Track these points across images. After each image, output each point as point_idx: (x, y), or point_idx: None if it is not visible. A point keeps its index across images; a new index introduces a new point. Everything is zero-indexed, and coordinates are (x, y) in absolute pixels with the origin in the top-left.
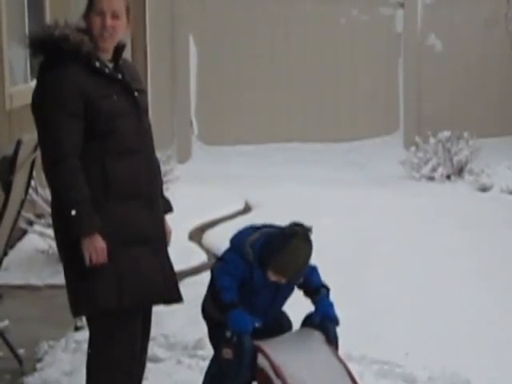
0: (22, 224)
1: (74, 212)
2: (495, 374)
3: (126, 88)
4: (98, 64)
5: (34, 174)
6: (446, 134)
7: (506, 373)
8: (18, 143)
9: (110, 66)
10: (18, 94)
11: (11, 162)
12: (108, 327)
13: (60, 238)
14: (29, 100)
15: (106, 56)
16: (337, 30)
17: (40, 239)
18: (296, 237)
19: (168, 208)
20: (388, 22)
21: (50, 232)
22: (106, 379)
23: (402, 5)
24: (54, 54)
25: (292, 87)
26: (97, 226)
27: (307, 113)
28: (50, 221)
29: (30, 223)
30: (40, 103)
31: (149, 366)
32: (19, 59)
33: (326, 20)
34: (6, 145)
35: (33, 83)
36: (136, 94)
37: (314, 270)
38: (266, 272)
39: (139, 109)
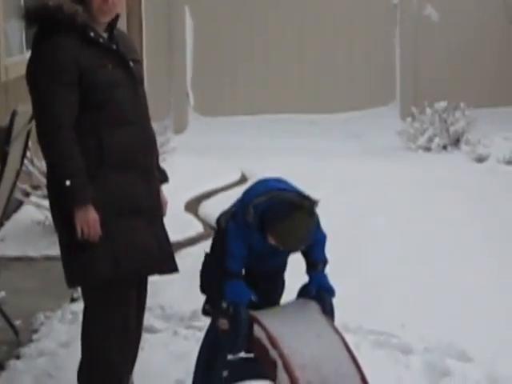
0: (17, 195)
1: (68, 183)
2: (491, 344)
3: (121, 58)
4: (92, 34)
5: (30, 144)
6: (443, 104)
7: (502, 344)
8: (13, 114)
9: (105, 36)
10: (14, 66)
11: (6, 133)
12: (103, 298)
13: (55, 208)
14: (24, 71)
15: (101, 27)
16: (334, 2)
17: (36, 210)
18: (301, 210)
19: (164, 178)
20: None
21: (47, 203)
22: (101, 350)
23: None
24: (48, 24)
25: (288, 59)
26: (90, 198)
27: (304, 84)
28: (46, 192)
29: (26, 194)
30: (35, 73)
31: (145, 336)
32: (14, 31)
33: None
34: (2, 116)
35: (28, 54)
36: (131, 64)
37: (319, 242)
38: (265, 235)
39: (134, 79)
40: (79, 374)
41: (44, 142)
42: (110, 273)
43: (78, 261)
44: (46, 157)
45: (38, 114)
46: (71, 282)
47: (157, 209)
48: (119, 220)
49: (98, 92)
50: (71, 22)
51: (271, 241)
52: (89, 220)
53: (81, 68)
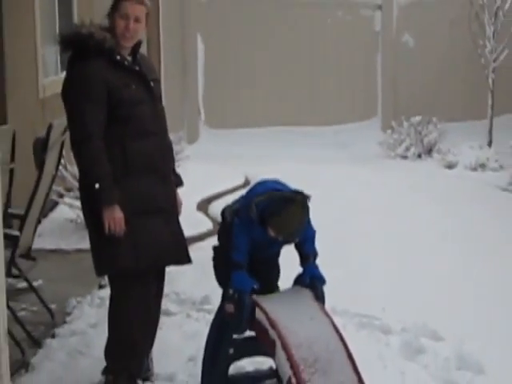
0: (53, 196)
1: (97, 186)
2: (459, 325)
3: (143, 78)
4: (118, 58)
5: (64, 153)
6: (418, 118)
7: (469, 325)
8: (50, 127)
9: (129, 59)
10: (50, 85)
11: (44, 143)
12: (126, 285)
13: (85, 208)
14: (59, 89)
15: (126, 51)
16: (324, 29)
17: (69, 210)
18: (294, 203)
19: (179, 182)
20: (368, 22)
21: (78, 203)
22: (125, 330)
23: (379, 7)
24: (80, 49)
25: (286, 79)
26: (116, 199)
27: (299, 100)
28: (78, 194)
29: (61, 196)
30: (69, 92)
31: (162, 318)
32: (50, 54)
33: (316, 21)
34: (39, 128)
35: (62, 75)
36: (152, 83)
37: (310, 238)
38: (266, 228)
39: (154, 96)
40: (106, 351)
41: (76, 151)
42: (132, 264)
43: (105, 253)
44: (78, 163)
45: (71, 126)
46: (99, 272)
47: (173, 208)
48: (140, 218)
49: (123, 108)
50: (100, 48)
51: (271, 233)
52: (115, 218)
53: (108, 87)
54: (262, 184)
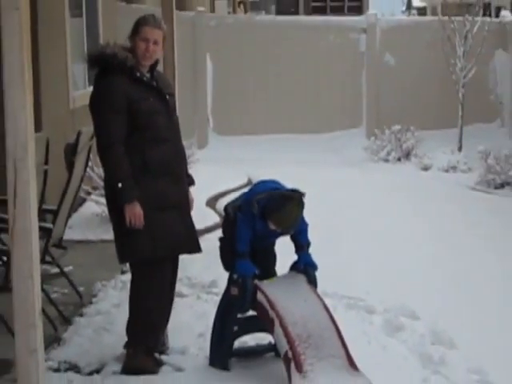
0: (82, 194)
1: (119, 185)
2: (434, 306)
3: (159, 92)
4: (138, 74)
5: (91, 156)
6: (397, 127)
7: (442, 306)
8: (79, 134)
9: (148, 75)
10: (79, 97)
11: (74, 148)
12: (145, 271)
13: (110, 204)
14: (87, 101)
15: (145, 69)
16: (318, 50)
17: (95, 205)
18: (292, 201)
19: (191, 182)
20: (354, 44)
21: (103, 200)
22: (143, 310)
23: (364, 31)
24: (105, 67)
25: (284, 93)
26: (136, 197)
27: (296, 111)
28: (103, 192)
29: (88, 193)
30: (95, 103)
31: (176, 300)
32: (79, 71)
33: (310, 43)
34: (70, 135)
35: (90, 89)
36: (167, 97)
37: (304, 230)
38: (266, 222)
39: (169, 108)
40: (127, 328)
41: (102, 155)
42: (150, 253)
43: (127, 243)
44: (103, 166)
45: (97, 133)
46: (121, 259)
47: (185, 205)
48: (157, 213)
49: (142, 118)
50: (122, 66)
51: (271, 226)
52: (135, 213)
53: (129, 100)
54: (262, 184)
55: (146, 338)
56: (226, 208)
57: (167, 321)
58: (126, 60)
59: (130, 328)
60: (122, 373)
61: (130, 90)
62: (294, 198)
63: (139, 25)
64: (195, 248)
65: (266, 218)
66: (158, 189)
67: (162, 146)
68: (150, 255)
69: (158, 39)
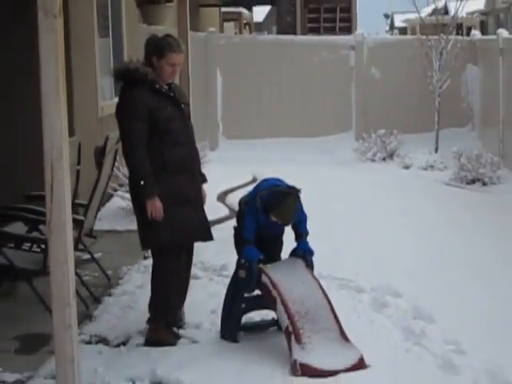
0: (109, 190)
1: (142, 182)
2: (415, 285)
3: (176, 102)
4: (157, 86)
5: (117, 158)
6: (382, 131)
7: (422, 285)
8: (106, 138)
9: (166, 87)
10: (106, 107)
11: (102, 151)
12: (164, 257)
13: (133, 199)
14: (113, 110)
15: (163, 82)
16: (313, 65)
17: (121, 200)
18: (290, 196)
19: (204, 180)
20: (345, 59)
21: (128, 196)
22: (163, 290)
23: (353, 48)
24: (129, 80)
25: (284, 102)
26: (156, 192)
27: (295, 118)
28: (128, 188)
29: (115, 190)
30: (120, 112)
31: (191, 281)
32: (107, 84)
33: (306, 58)
34: (99, 139)
35: (115, 99)
36: (182, 106)
37: (303, 220)
38: (268, 215)
39: (184, 115)
40: (149, 306)
41: (126, 156)
42: (169, 241)
43: (148, 233)
44: (128, 165)
45: (122, 137)
46: (144, 247)
47: (199, 199)
48: (174, 207)
49: (161, 124)
50: (144, 79)
51: (272, 218)
52: (155, 207)
53: (149, 108)
54: (265, 181)
55: (165, 314)
56: (239, 202)
57: (184, 299)
58: (146, 74)
59: (152, 306)
60: (145, 345)
61: (151, 100)
62: (292, 195)
63: (165, 50)
64: (208, 236)
65: (267, 211)
66: (175, 185)
67: (179, 148)
68: (169, 243)
69: (181, 61)
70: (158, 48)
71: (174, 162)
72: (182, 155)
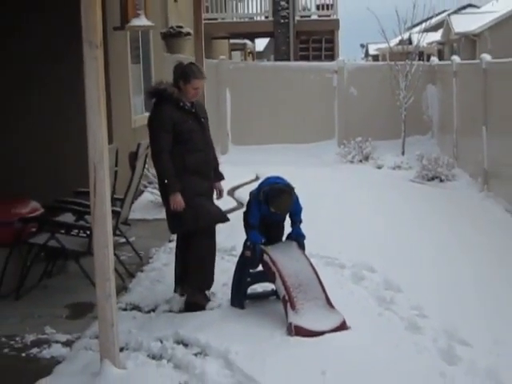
0: (141, 187)
1: (166, 181)
2: (387, 261)
3: (196, 116)
4: (181, 104)
5: (147, 161)
6: (359, 138)
7: (393, 261)
8: (138, 145)
9: (188, 104)
10: (138, 120)
11: (135, 155)
12: (198, 237)
13: (161, 193)
14: (144, 122)
15: (187, 100)
16: (303, 85)
17: (150, 195)
18: (286, 193)
19: (222, 177)
20: (329, 81)
21: (156, 191)
22: (199, 263)
23: (336, 72)
24: (158, 98)
25: (281, 115)
26: (178, 189)
27: (289, 129)
28: (156, 185)
29: (145, 186)
30: (151, 124)
31: None
32: (138, 102)
33: (298, 80)
34: (132, 145)
35: (146, 114)
36: (202, 119)
37: (298, 211)
38: (269, 207)
39: (204, 128)
40: (188, 276)
41: (154, 160)
42: (194, 225)
43: (177, 219)
44: (156, 167)
45: (151, 145)
46: (172, 231)
47: (210, 193)
48: (196, 198)
49: (183, 134)
50: (170, 98)
51: (272, 209)
52: (176, 201)
53: (174, 122)
54: (267, 179)
55: (200, 281)
56: (250, 193)
57: (213, 272)
58: (173, 94)
59: (190, 276)
60: (185, 307)
61: (175, 115)
62: (287, 191)
63: (190, 77)
64: (224, 218)
65: (267, 204)
66: (193, 182)
67: (197, 154)
68: (195, 227)
69: (202, 86)
70: (184, 74)
71: (192, 164)
72: (199, 160)
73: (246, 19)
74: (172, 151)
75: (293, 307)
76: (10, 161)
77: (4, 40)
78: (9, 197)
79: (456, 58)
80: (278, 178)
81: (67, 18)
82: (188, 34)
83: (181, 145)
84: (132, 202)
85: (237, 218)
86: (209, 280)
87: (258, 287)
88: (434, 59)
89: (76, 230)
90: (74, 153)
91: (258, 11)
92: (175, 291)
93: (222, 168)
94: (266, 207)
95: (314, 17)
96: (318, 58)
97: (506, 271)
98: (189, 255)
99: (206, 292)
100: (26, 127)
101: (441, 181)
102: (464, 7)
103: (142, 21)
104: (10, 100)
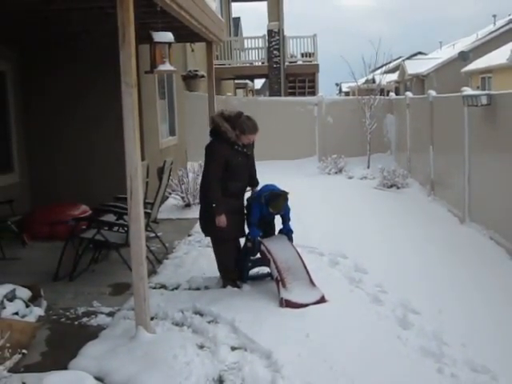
0: (166, 194)
1: (214, 205)
2: (358, 249)
3: (245, 154)
4: (236, 146)
5: (171, 174)
6: (335, 155)
7: (363, 249)
8: (164, 162)
9: (240, 144)
10: (164, 142)
11: (161, 169)
12: (224, 243)
13: (204, 208)
14: (169, 144)
15: (241, 142)
16: (291, 115)
17: (174, 200)
18: (281, 196)
19: (257, 184)
20: (311, 111)
21: (177, 197)
22: (224, 262)
23: (316, 104)
24: (218, 136)
25: (273, 137)
26: (223, 210)
27: (279, 148)
28: (178, 192)
29: (170, 193)
30: (207, 154)
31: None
32: (164, 129)
33: (286, 111)
34: (159, 162)
35: (170, 138)
36: (249, 157)
37: (287, 212)
38: (268, 207)
39: (248, 162)
40: (219, 271)
41: (205, 185)
42: (228, 235)
43: (214, 229)
44: (207, 192)
45: (205, 171)
46: (206, 234)
47: (242, 209)
48: (229, 215)
49: (231, 167)
50: (228, 139)
51: (270, 210)
52: (221, 221)
53: (225, 158)
54: (266, 186)
55: (227, 274)
56: (247, 199)
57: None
58: (231, 137)
59: (220, 270)
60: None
61: (228, 153)
62: (282, 195)
63: (246, 131)
64: (242, 235)
65: (267, 205)
66: (229, 203)
67: (238, 183)
68: (228, 236)
69: (256, 137)
70: (242, 127)
71: (233, 190)
72: (238, 187)
73: (247, 64)
74: (221, 180)
75: (283, 285)
76: (68, 175)
77: (43, 78)
78: (65, 202)
79: (409, 94)
80: (273, 185)
81: (100, 60)
82: (202, 76)
83: (228, 173)
84: (159, 205)
85: None
86: (233, 271)
87: (257, 270)
88: (392, 94)
89: (116, 227)
90: (114, 168)
91: (256, 58)
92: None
93: None
94: (265, 208)
95: (300, 62)
96: (302, 94)
97: (447, 257)
98: (216, 255)
99: (238, 282)
100: (82, 150)
101: (397, 188)
102: (415, 54)
103: (166, 66)
104: (57, 125)
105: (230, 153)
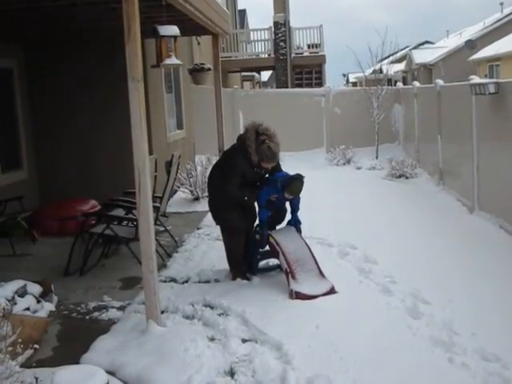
0: (175, 188)
1: (245, 198)
2: (365, 241)
3: (261, 176)
4: (255, 168)
5: (179, 167)
6: (343, 146)
7: (371, 240)
8: (172, 156)
9: (258, 168)
10: (171, 136)
11: (169, 163)
12: (233, 235)
13: (214, 205)
14: (176, 138)
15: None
16: (298, 107)
17: (182, 194)
18: (297, 180)
19: None
20: (318, 103)
21: (186, 190)
22: (234, 253)
23: (323, 95)
24: (242, 145)
25: (282, 129)
26: (254, 195)
27: (288, 140)
28: (187, 186)
29: (178, 187)
30: (228, 163)
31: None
32: (171, 122)
33: (294, 102)
34: (167, 156)
35: (177, 131)
36: (262, 173)
37: (297, 201)
38: (284, 192)
39: (262, 177)
40: (228, 263)
41: (229, 191)
42: (241, 227)
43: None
44: (230, 194)
45: (224, 177)
46: (217, 223)
47: (253, 207)
48: (246, 209)
49: (247, 181)
50: (250, 159)
51: (286, 194)
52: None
53: (243, 172)
54: (278, 174)
55: (237, 266)
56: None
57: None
58: (253, 160)
59: (229, 262)
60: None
61: (246, 169)
62: (299, 179)
63: (264, 160)
64: (252, 228)
65: (283, 190)
66: (247, 208)
67: (251, 193)
68: (239, 225)
69: (273, 165)
70: (263, 155)
71: (247, 196)
72: (252, 196)
73: (254, 56)
74: (239, 188)
75: (293, 277)
76: (77, 170)
77: (56, 67)
78: (74, 197)
79: (416, 83)
80: (286, 172)
81: (105, 55)
82: (209, 69)
83: (244, 186)
84: (168, 199)
85: None
86: (242, 264)
87: (266, 262)
88: (399, 84)
89: (126, 222)
90: (123, 162)
91: (263, 50)
92: None
93: None
94: (281, 193)
95: (306, 54)
96: (309, 86)
97: (456, 246)
98: (226, 247)
99: (247, 274)
100: (90, 145)
101: (406, 178)
102: (422, 43)
103: (173, 60)
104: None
105: (248, 170)
